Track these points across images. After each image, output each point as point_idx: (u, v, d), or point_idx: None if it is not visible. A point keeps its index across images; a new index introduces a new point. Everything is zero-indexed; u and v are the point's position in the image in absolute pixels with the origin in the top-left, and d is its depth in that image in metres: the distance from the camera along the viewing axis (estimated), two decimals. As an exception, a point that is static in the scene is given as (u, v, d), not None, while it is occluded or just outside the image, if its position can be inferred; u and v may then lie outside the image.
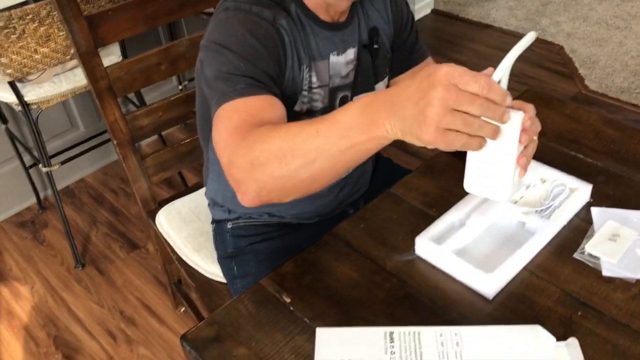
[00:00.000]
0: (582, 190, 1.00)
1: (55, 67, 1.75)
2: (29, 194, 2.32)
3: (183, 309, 1.86)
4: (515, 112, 0.75)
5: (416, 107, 0.66)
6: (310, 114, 1.07)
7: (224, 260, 1.26)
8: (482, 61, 2.92)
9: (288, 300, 0.89)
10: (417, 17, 3.34)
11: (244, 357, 0.82)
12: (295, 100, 1.04)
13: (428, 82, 0.66)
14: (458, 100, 0.64)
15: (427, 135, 0.66)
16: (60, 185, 2.41)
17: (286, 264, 0.96)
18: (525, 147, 0.78)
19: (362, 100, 0.73)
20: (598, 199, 1.02)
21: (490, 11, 3.30)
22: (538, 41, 3.03)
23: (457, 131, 0.66)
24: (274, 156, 0.77)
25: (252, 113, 0.86)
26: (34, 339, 1.84)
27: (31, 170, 2.25)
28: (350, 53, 1.09)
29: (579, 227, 0.97)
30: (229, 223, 1.25)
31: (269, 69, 0.94)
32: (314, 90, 1.06)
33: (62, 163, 2.03)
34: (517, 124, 0.75)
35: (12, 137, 2.14)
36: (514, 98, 0.86)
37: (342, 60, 1.08)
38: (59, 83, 1.78)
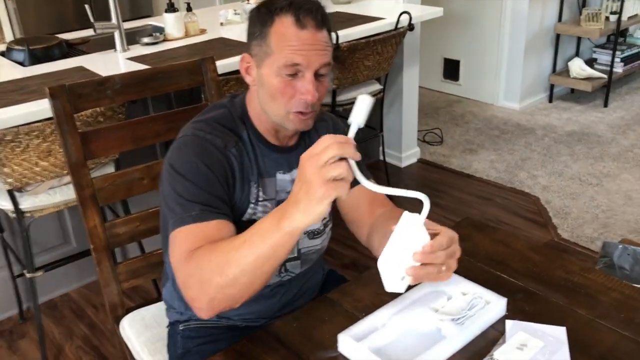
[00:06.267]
0: (497, 303, 1.09)
1: (52, 180, 1.92)
2: (12, 304, 2.39)
3: None
4: (425, 235, 0.93)
5: (302, 185, 0.87)
6: None
7: (173, 361, 1.32)
8: (461, 206, 3.08)
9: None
10: (404, 164, 3.57)
11: None
12: (244, 212, 1.18)
13: (299, 171, 0.88)
14: (319, 158, 0.85)
15: (319, 191, 0.84)
16: (45, 298, 2.49)
17: (217, 354, 1.03)
18: (425, 265, 0.94)
19: (275, 209, 0.94)
20: (514, 313, 1.10)
21: (472, 163, 3.54)
22: (515, 192, 3.20)
23: (337, 180, 0.84)
24: (215, 271, 0.96)
25: (203, 237, 1.04)
26: None
27: (18, 280, 2.34)
28: (296, 173, 1.24)
29: (493, 337, 1.05)
30: (181, 325, 1.32)
31: (219, 192, 1.11)
32: (261, 203, 1.20)
33: (46, 270, 2.14)
34: (420, 243, 0.92)
35: (5, 246, 2.27)
36: (453, 225, 1.01)
37: (288, 178, 1.23)
38: (53, 195, 1.95)
